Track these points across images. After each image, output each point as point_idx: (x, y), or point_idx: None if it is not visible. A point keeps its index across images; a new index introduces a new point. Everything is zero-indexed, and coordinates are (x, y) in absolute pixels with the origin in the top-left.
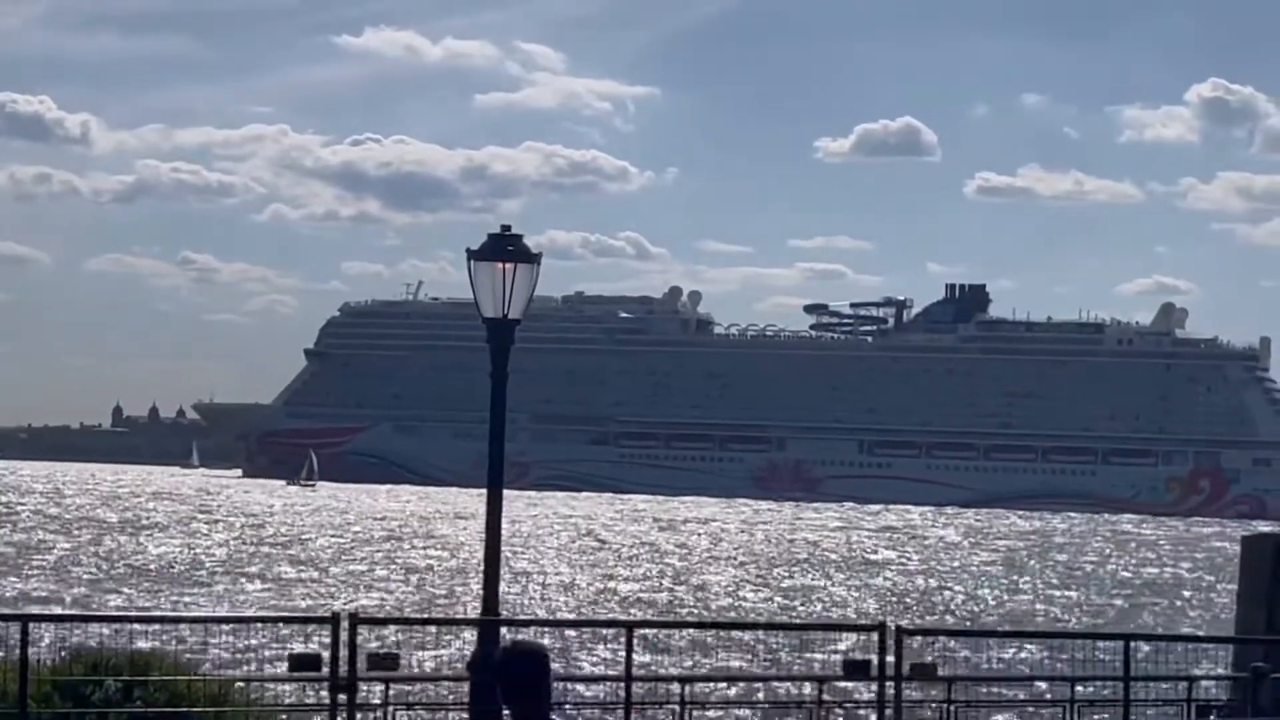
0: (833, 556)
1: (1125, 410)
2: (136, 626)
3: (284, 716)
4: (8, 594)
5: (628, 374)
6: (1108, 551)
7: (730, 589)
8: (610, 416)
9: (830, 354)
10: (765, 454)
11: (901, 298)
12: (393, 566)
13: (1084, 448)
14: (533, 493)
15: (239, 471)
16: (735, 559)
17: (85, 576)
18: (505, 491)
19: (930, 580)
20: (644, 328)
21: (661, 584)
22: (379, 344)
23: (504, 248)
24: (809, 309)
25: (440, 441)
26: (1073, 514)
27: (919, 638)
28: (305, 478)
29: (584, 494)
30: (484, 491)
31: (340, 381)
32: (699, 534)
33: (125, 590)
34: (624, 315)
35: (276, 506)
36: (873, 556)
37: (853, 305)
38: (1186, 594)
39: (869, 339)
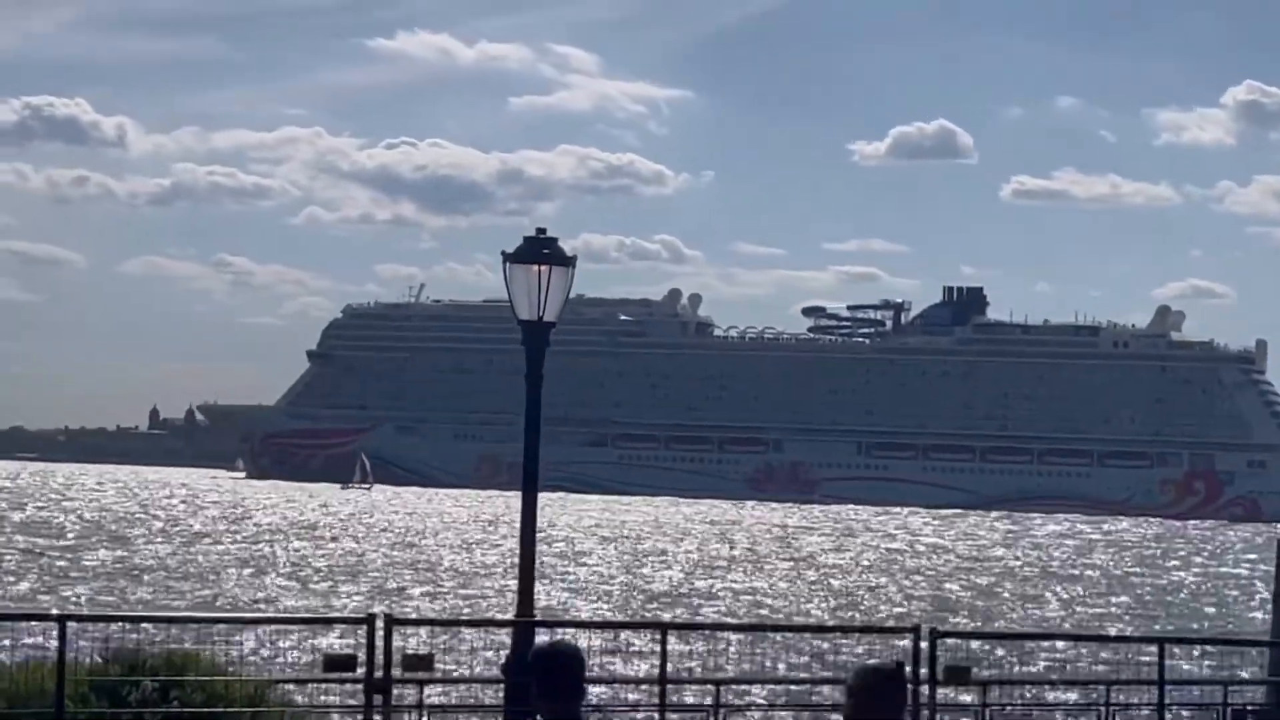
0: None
1: (1120, 413)
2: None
3: (316, 717)
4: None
5: (626, 376)
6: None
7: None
8: (608, 418)
9: (827, 356)
10: (762, 456)
11: (899, 300)
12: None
13: (1079, 450)
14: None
15: (243, 473)
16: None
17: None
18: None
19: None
20: (643, 330)
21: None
22: (381, 345)
23: (539, 250)
24: (807, 311)
25: (442, 443)
26: (1068, 515)
27: (956, 640)
28: (359, 481)
29: (590, 496)
30: (490, 493)
31: (343, 383)
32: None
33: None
34: (623, 318)
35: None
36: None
37: (849, 308)
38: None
39: (866, 341)
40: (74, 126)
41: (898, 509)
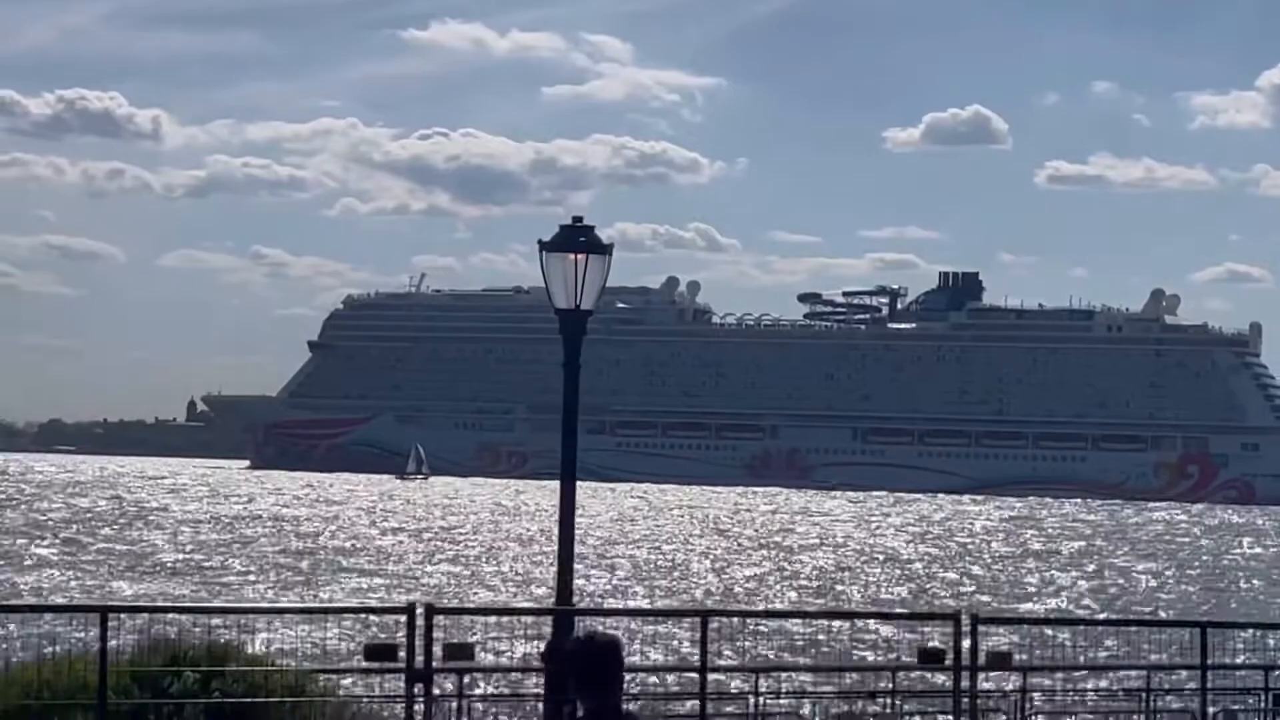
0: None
1: (1115, 397)
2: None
3: (357, 707)
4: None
5: (625, 364)
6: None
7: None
8: (606, 406)
9: (824, 343)
10: (760, 442)
11: (895, 286)
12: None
13: (1075, 434)
14: (532, 481)
15: (246, 462)
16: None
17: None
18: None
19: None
20: (641, 318)
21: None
22: (381, 336)
23: (576, 239)
24: (803, 298)
25: (442, 432)
26: (1066, 499)
27: (996, 625)
28: (413, 471)
29: (586, 484)
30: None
31: (343, 373)
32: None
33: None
34: (621, 305)
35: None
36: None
37: (845, 294)
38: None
39: (862, 327)
40: (109, 119)
41: (923, 493)
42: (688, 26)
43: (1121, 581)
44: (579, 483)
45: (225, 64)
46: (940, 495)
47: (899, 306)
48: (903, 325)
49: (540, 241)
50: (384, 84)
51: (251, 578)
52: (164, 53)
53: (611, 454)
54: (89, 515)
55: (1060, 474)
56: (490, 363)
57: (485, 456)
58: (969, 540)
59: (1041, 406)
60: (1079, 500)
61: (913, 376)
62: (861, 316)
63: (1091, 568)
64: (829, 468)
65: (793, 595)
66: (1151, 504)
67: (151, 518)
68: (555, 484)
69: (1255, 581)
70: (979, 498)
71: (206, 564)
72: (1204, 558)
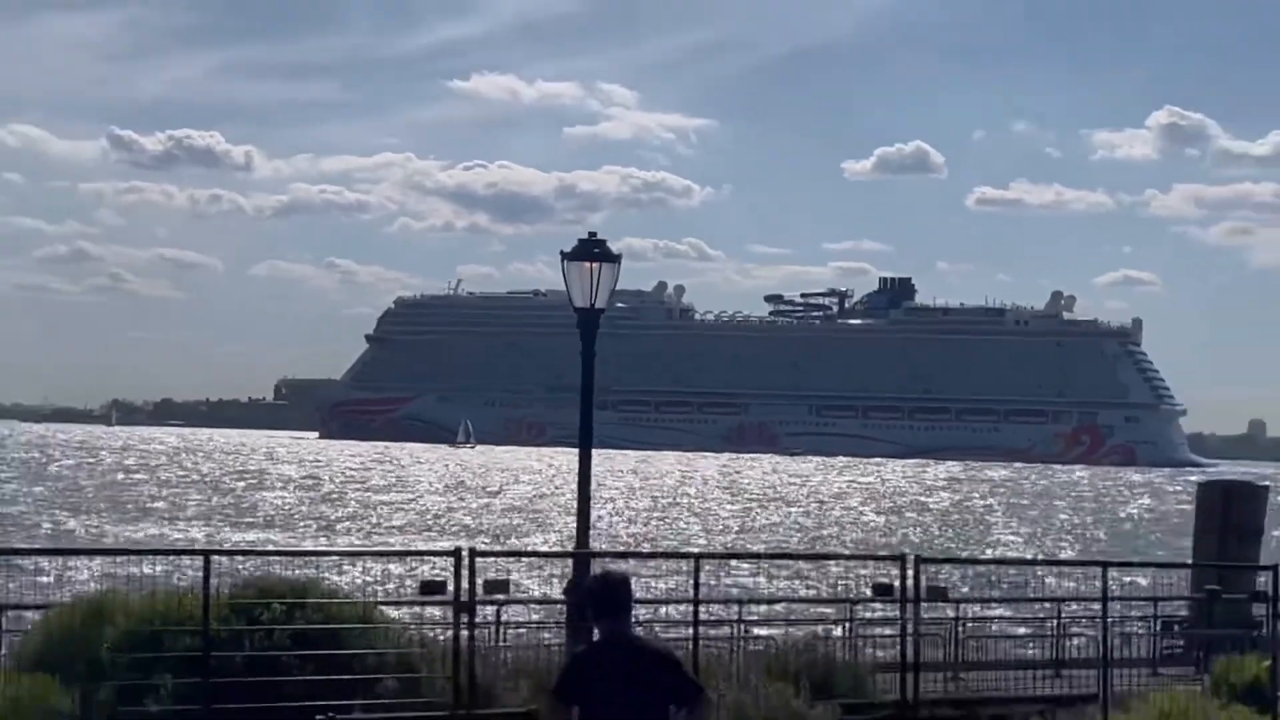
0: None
1: (1022, 378)
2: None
3: (414, 632)
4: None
5: (624, 353)
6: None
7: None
8: (609, 387)
9: (786, 335)
10: (735, 417)
11: (844, 289)
12: None
13: (990, 409)
14: (547, 449)
15: (316, 433)
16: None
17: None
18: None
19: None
20: (637, 315)
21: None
22: (425, 330)
23: (591, 250)
24: (768, 298)
25: (474, 409)
26: (983, 462)
27: (935, 565)
28: (463, 440)
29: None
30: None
31: (394, 360)
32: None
33: None
34: (620, 305)
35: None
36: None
37: (803, 295)
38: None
39: (817, 322)
40: (210, 154)
41: (866, 458)
42: (682, 78)
43: (1040, 529)
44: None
45: (305, 109)
46: (882, 459)
47: (846, 305)
48: (850, 321)
49: (562, 253)
50: (434, 125)
51: (328, 526)
52: (255, 100)
53: (614, 427)
54: (208, 478)
55: (978, 442)
56: (514, 352)
57: (510, 428)
58: (918, 496)
59: (963, 387)
60: (995, 463)
61: (859, 362)
62: (817, 314)
63: (1016, 520)
64: (791, 437)
65: (773, 541)
66: (1054, 465)
67: (258, 480)
68: (571, 450)
69: (1152, 533)
70: (913, 461)
71: (296, 514)
72: (1103, 515)
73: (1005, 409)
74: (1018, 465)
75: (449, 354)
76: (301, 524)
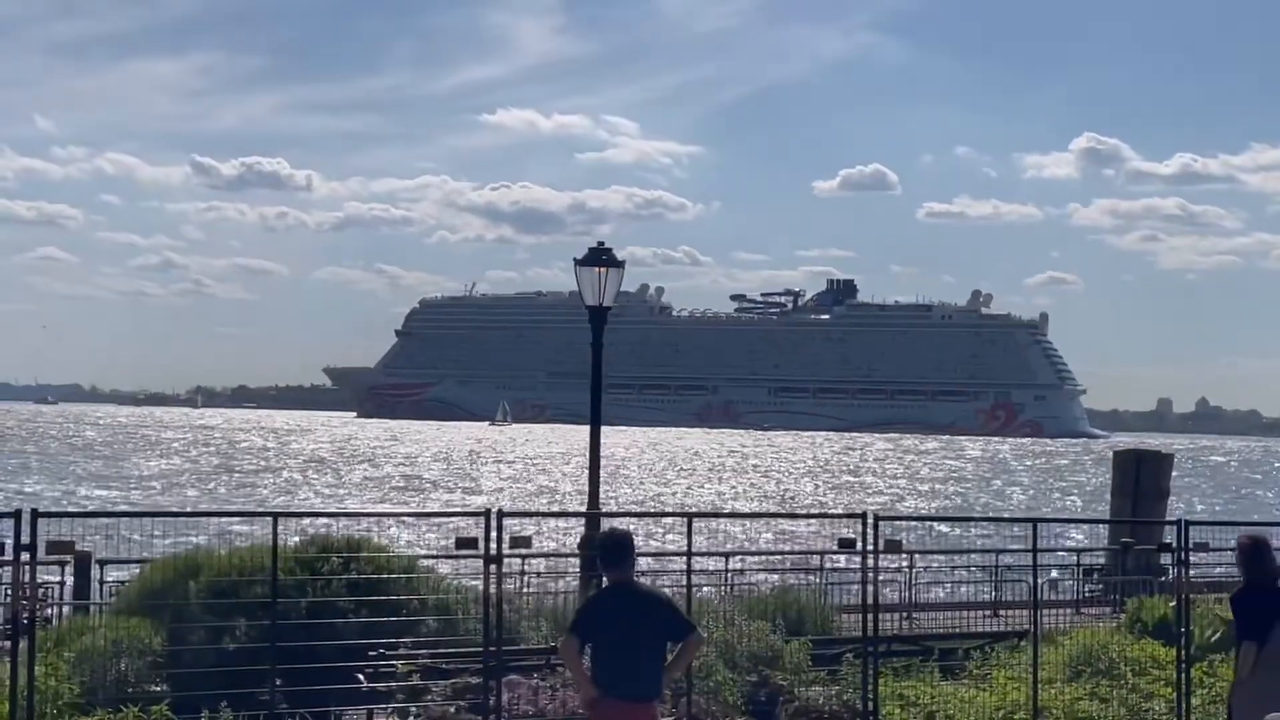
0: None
1: (947, 364)
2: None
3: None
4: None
5: (613, 343)
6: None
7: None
8: (601, 372)
9: (748, 329)
10: (704, 397)
11: (798, 289)
12: None
13: (919, 390)
14: (547, 425)
15: (354, 413)
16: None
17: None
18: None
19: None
20: (624, 312)
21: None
22: (445, 325)
23: (600, 257)
24: (733, 297)
25: (487, 392)
26: (914, 435)
27: (891, 523)
28: (500, 420)
29: (584, 427)
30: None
31: (420, 351)
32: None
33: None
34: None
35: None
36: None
37: (763, 295)
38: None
39: (775, 317)
40: (276, 177)
41: (816, 431)
42: (677, 112)
43: (977, 493)
44: (581, 426)
45: (356, 139)
46: (828, 433)
47: (800, 303)
48: (803, 315)
49: (575, 259)
50: (466, 152)
51: (375, 491)
52: (314, 131)
53: (605, 406)
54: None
55: (909, 418)
56: (520, 343)
57: (516, 408)
58: (870, 464)
59: (897, 371)
60: (926, 435)
61: (809, 351)
62: (774, 310)
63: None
64: (752, 414)
65: (756, 505)
66: (974, 437)
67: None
68: (568, 426)
69: (1072, 496)
70: (856, 434)
71: (350, 480)
72: (1034, 477)
73: (932, 390)
74: (945, 438)
75: (466, 345)
76: (383, 487)
